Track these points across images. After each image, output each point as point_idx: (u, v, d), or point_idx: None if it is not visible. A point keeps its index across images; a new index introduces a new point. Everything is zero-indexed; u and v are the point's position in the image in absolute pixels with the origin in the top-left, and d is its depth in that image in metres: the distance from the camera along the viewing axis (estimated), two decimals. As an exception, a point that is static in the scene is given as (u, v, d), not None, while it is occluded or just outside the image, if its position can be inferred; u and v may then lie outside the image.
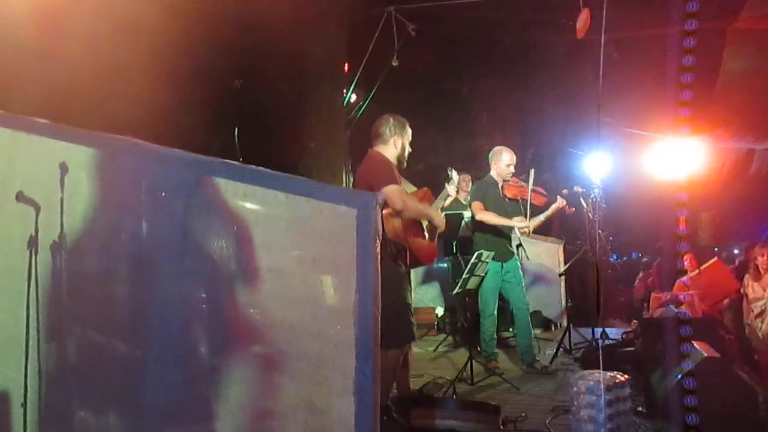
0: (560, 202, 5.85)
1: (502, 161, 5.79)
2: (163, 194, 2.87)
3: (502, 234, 5.80)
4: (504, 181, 5.81)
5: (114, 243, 2.91)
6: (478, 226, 5.82)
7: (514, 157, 5.87)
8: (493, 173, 5.85)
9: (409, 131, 4.21)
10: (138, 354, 2.87)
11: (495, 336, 5.91)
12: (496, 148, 5.95)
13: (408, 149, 4.20)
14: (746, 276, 6.81)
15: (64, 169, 2.85)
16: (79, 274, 2.95)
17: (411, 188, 4.84)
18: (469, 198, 6.10)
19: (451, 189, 4.43)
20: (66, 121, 2.99)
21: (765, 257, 6.49)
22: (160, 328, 2.86)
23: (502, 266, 5.77)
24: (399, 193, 3.77)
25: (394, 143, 4.12)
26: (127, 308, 2.92)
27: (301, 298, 2.65)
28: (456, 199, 4.82)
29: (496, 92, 12.06)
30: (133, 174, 2.87)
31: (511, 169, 5.81)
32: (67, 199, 2.87)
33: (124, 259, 2.89)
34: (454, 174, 4.56)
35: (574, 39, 7.08)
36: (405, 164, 4.21)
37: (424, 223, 4.13)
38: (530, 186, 5.77)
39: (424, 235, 4.12)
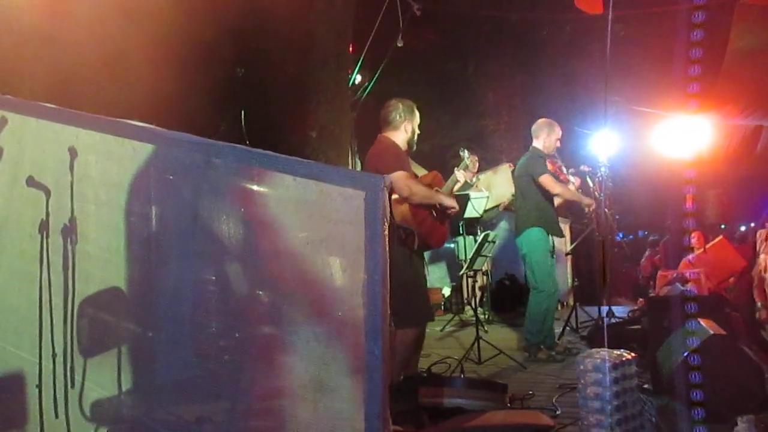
0: (591, 208, 5.81)
1: (555, 134, 5.63)
2: (172, 177, 2.89)
3: (553, 208, 5.67)
4: (549, 155, 5.67)
5: (124, 225, 2.94)
6: (534, 198, 5.55)
7: None
8: (538, 145, 5.66)
9: (417, 114, 4.21)
10: (149, 334, 2.91)
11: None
12: (546, 120, 5.75)
13: (417, 132, 4.21)
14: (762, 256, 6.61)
15: (73, 153, 2.88)
16: (89, 256, 2.98)
17: (421, 171, 4.85)
18: (519, 167, 5.82)
19: (459, 174, 4.41)
20: (72, 106, 3.01)
21: None
22: (171, 308, 2.90)
23: (553, 242, 5.64)
24: (406, 179, 3.80)
25: (404, 128, 4.14)
26: (138, 289, 2.96)
27: (309, 279, 2.67)
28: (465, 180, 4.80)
29: (502, 71, 11.98)
30: (141, 157, 2.89)
31: (559, 144, 5.69)
32: (76, 183, 2.89)
33: (134, 242, 2.91)
34: (466, 155, 4.53)
35: (580, 17, 7.02)
36: (414, 147, 4.23)
37: (433, 211, 4.14)
38: (561, 165, 5.76)
39: (434, 220, 4.14)
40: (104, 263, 2.96)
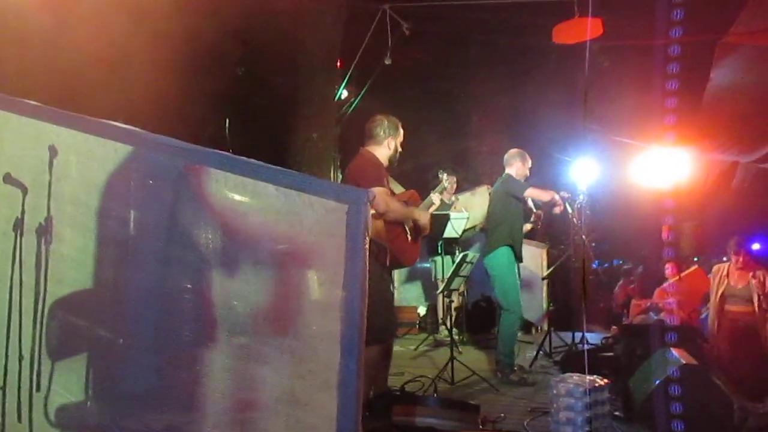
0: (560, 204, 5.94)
1: (526, 163, 5.87)
2: (152, 181, 2.86)
3: (522, 232, 5.86)
4: None
5: (101, 228, 2.90)
6: (510, 218, 5.74)
7: None
8: (512, 173, 5.86)
9: (402, 132, 4.23)
10: (121, 340, 2.86)
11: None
12: (518, 150, 6.00)
13: (399, 150, 4.22)
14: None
15: (53, 151, 2.83)
16: (63, 257, 2.93)
17: (399, 189, 4.87)
18: (495, 190, 6.01)
19: (435, 197, 4.43)
20: (63, 106, 2.98)
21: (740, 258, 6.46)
22: (144, 314, 2.85)
23: (518, 265, 5.77)
24: (383, 196, 3.81)
25: (388, 144, 4.15)
26: (111, 294, 2.91)
27: (287, 291, 2.65)
28: (442, 200, 4.86)
29: (487, 94, 12.10)
30: (124, 160, 2.85)
31: (528, 173, 5.92)
32: (55, 182, 2.85)
33: (110, 244, 2.87)
34: (444, 178, 4.56)
35: (565, 46, 7.13)
36: (395, 165, 4.24)
37: (407, 225, 4.14)
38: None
39: (407, 237, 4.14)
40: (78, 265, 2.91)
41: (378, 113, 4.28)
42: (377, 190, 3.78)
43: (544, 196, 5.74)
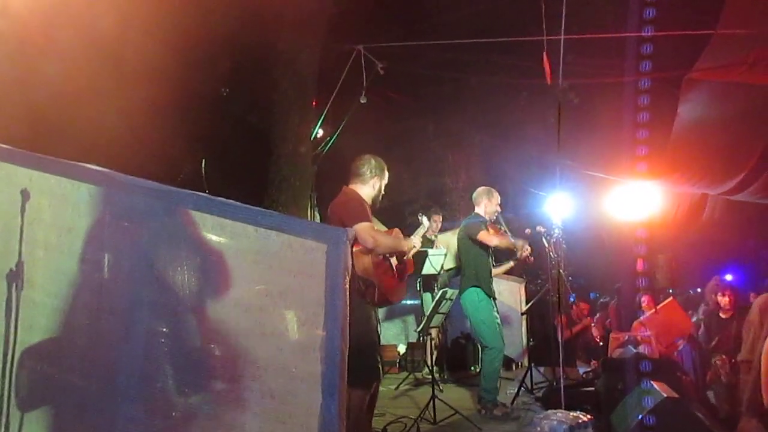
0: (525, 251, 5.99)
1: (494, 200, 5.91)
2: (129, 224, 2.82)
3: (490, 271, 5.88)
4: (490, 221, 5.92)
5: (73, 272, 2.83)
6: (473, 259, 5.79)
7: None
8: (480, 211, 5.91)
9: (387, 174, 4.25)
10: (94, 388, 2.77)
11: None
12: (485, 188, 6.04)
13: (383, 192, 4.24)
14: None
15: (26, 195, 2.78)
16: (35, 303, 2.85)
17: (381, 227, 4.86)
18: (459, 232, 6.08)
19: (416, 240, 4.42)
20: (33, 145, 2.94)
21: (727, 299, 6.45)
22: (120, 360, 2.77)
23: (493, 302, 5.79)
24: (371, 230, 3.78)
25: (372, 184, 4.16)
26: (84, 340, 2.83)
27: (266, 333, 2.61)
28: (425, 236, 4.87)
29: (461, 131, 12.27)
30: (98, 202, 2.81)
31: (499, 209, 5.94)
32: (27, 226, 2.79)
33: (84, 289, 2.80)
34: (425, 221, 4.55)
35: (536, 83, 7.28)
36: (377, 206, 4.25)
37: (393, 263, 4.12)
38: (504, 228, 5.93)
39: (394, 275, 4.11)
40: (50, 311, 2.84)
41: (353, 151, 4.29)
42: (363, 225, 3.75)
43: (493, 240, 5.76)
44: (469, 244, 5.82)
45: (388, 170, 4.27)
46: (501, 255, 6.34)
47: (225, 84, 7.19)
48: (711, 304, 6.71)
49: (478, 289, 5.71)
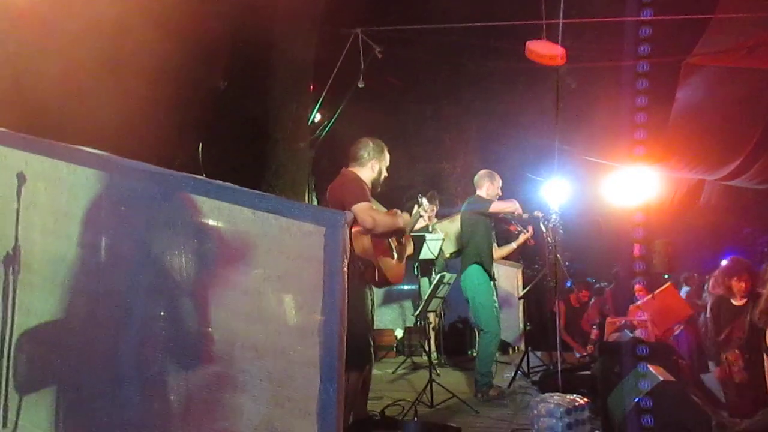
0: (528, 233, 5.98)
1: (497, 183, 5.89)
2: (124, 208, 2.80)
3: (492, 251, 5.88)
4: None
5: (70, 256, 2.82)
6: (476, 239, 5.78)
7: None
8: (482, 194, 5.89)
9: (387, 156, 4.24)
10: (92, 371, 2.77)
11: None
12: (488, 171, 6.03)
13: (384, 174, 4.22)
14: None
15: (21, 179, 2.77)
16: (32, 287, 2.85)
17: (381, 209, 4.85)
18: (463, 212, 6.06)
19: (422, 211, 4.41)
20: (30, 133, 2.92)
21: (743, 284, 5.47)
22: (117, 344, 2.77)
23: (493, 285, 5.79)
24: (369, 210, 3.77)
25: (372, 167, 4.15)
26: (81, 324, 2.83)
27: (265, 317, 2.61)
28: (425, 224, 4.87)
29: (459, 116, 12.24)
30: (95, 186, 2.80)
31: (500, 193, 5.93)
32: (23, 210, 2.78)
33: (81, 273, 2.80)
34: (424, 201, 4.53)
35: (535, 68, 7.24)
36: (379, 188, 4.24)
37: (393, 244, 4.12)
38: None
39: (393, 255, 4.11)
40: (47, 295, 2.83)
41: (351, 136, 4.27)
42: (362, 206, 3.75)
43: (508, 207, 5.78)
44: (475, 222, 5.79)
45: (369, 144, 4.22)
46: (502, 238, 6.32)
47: (221, 69, 7.13)
48: (722, 288, 5.69)
49: (479, 268, 5.68)
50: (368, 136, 4.26)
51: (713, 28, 6.10)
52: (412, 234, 5.67)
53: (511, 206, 5.78)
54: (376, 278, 3.91)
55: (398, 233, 4.11)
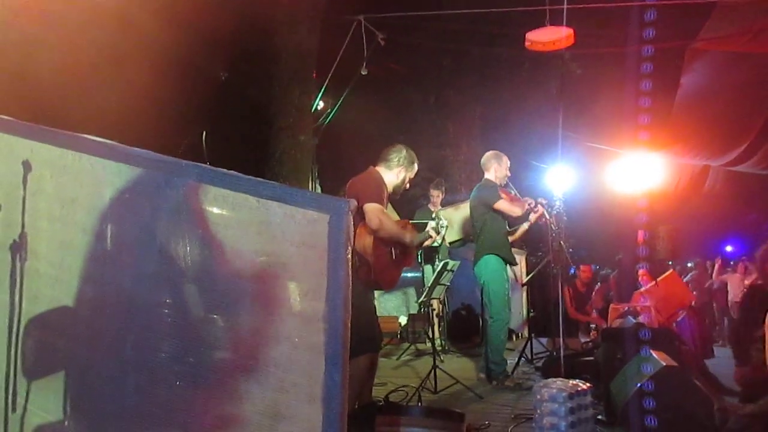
0: (539, 210, 5.93)
1: (504, 164, 5.83)
2: (129, 195, 2.82)
3: (507, 236, 5.83)
4: (500, 186, 5.86)
5: (77, 243, 2.84)
6: (489, 227, 5.72)
7: None
8: (490, 176, 5.85)
9: (416, 168, 4.27)
10: (99, 357, 2.80)
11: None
12: (495, 152, 5.96)
13: (407, 185, 4.24)
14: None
15: (27, 166, 2.78)
16: (39, 274, 2.87)
17: (394, 216, 4.87)
18: (472, 199, 6.01)
19: (432, 232, 4.38)
20: (35, 119, 2.93)
21: None
22: (122, 331, 2.80)
23: (508, 270, 5.77)
24: (379, 212, 3.80)
25: (398, 173, 4.19)
26: (88, 310, 2.86)
27: (269, 304, 2.63)
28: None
29: (462, 103, 12.20)
30: (100, 173, 2.81)
31: (509, 173, 5.89)
32: (29, 197, 2.80)
33: (87, 260, 2.82)
34: (440, 219, 4.49)
35: (539, 54, 7.21)
36: (398, 196, 4.27)
37: (394, 251, 4.13)
38: (515, 192, 5.91)
39: (391, 261, 4.11)
40: (54, 281, 2.85)
41: (354, 124, 4.29)
42: (374, 206, 3.80)
43: (514, 210, 5.68)
44: (485, 210, 5.75)
45: (389, 143, 4.26)
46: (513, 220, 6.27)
47: (224, 57, 7.13)
48: (761, 276, 5.50)
49: (497, 257, 5.65)
50: (371, 126, 4.28)
51: (718, 13, 6.05)
52: (415, 221, 5.68)
53: (516, 210, 5.70)
54: (371, 276, 3.92)
55: (402, 245, 4.13)
